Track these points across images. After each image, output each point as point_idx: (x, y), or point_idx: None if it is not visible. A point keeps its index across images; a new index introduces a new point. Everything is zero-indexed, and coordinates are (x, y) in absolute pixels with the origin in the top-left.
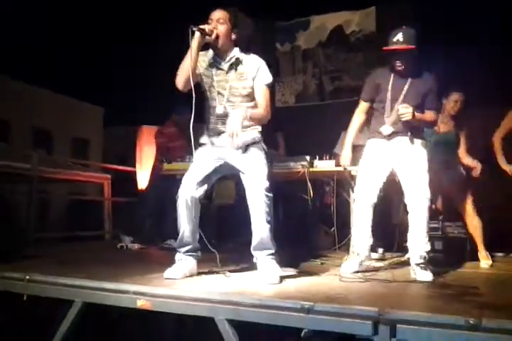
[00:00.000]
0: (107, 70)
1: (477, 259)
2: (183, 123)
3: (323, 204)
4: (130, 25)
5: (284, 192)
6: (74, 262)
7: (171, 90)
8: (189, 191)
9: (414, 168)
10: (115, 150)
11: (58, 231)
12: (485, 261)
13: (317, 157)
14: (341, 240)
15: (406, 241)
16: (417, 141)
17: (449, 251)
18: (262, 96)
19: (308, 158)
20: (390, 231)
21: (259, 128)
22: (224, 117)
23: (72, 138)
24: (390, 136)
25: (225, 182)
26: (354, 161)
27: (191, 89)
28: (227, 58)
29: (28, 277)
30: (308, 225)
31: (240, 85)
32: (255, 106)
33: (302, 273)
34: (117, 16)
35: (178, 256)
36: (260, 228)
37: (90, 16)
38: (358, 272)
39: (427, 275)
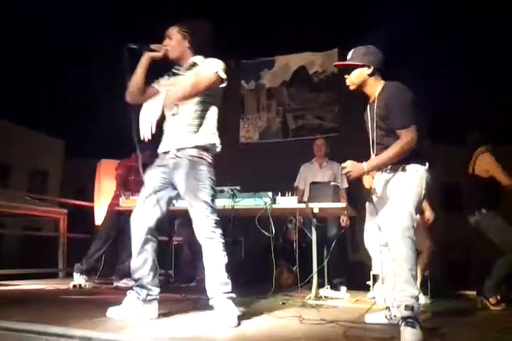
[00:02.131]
0: (64, 103)
1: None
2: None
3: (286, 241)
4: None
5: (246, 229)
6: (20, 303)
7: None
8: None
9: (397, 194)
10: (74, 182)
11: (10, 268)
12: None
13: (279, 193)
14: (304, 278)
15: (369, 278)
16: (411, 167)
17: None
18: (198, 75)
19: (270, 194)
20: (351, 268)
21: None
22: (174, 117)
23: (31, 170)
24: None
25: None
26: (315, 198)
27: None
28: (186, 65)
29: None
30: (270, 262)
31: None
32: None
33: (262, 314)
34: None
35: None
36: (214, 265)
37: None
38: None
39: (411, 333)
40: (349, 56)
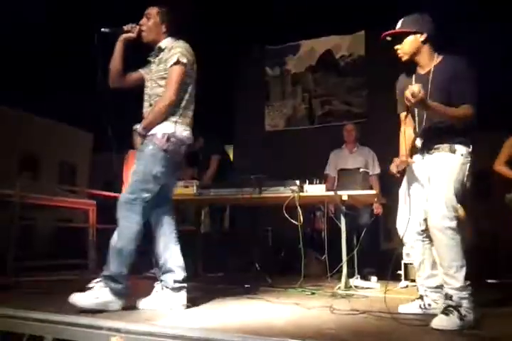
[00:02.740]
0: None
1: None
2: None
3: (314, 230)
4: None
5: (275, 218)
6: (49, 294)
7: None
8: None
9: (433, 182)
10: (102, 176)
11: (43, 260)
12: None
13: (307, 181)
14: (333, 268)
15: (400, 268)
16: (450, 148)
17: None
18: (167, 78)
19: (298, 182)
20: (382, 257)
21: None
22: (150, 107)
23: (60, 162)
24: (422, 150)
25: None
26: (345, 185)
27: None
28: (155, 50)
29: None
30: (299, 252)
31: (157, 70)
32: None
33: (291, 305)
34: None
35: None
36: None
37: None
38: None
39: (441, 320)
40: (399, 25)
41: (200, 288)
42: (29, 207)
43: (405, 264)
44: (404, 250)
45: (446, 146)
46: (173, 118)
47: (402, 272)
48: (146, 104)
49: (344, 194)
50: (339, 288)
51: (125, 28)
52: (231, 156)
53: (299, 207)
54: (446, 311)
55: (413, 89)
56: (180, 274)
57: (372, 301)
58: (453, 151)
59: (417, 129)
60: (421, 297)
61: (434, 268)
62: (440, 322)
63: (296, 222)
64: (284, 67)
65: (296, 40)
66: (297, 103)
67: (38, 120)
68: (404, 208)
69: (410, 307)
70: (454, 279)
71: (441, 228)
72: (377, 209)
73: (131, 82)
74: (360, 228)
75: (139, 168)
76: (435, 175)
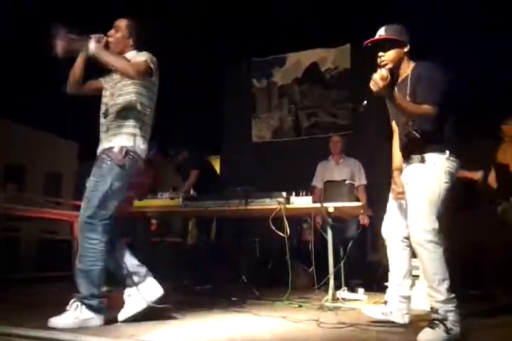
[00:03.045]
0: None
1: None
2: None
3: (301, 241)
4: None
5: (261, 229)
6: (32, 308)
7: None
8: None
9: (412, 193)
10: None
11: (28, 272)
12: None
13: (293, 193)
14: (321, 279)
15: (387, 279)
16: (418, 160)
17: None
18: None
19: (284, 194)
20: (369, 269)
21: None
22: (105, 117)
23: (45, 172)
24: (404, 158)
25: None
26: (330, 197)
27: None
28: None
29: None
30: (286, 264)
31: (120, 79)
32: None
33: (278, 318)
34: None
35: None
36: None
37: None
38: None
39: (427, 334)
40: (383, 32)
41: (187, 300)
42: (14, 218)
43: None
44: (390, 257)
45: (417, 157)
46: (133, 131)
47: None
48: (102, 115)
49: (330, 206)
50: (326, 300)
51: (91, 37)
52: (217, 167)
53: (285, 219)
54: (432, 325)
55: (382, 72)
56: (142, 271)
57: (360, 313)
58: (423, 161)
59: (399, 132)
60: (385, 302)
61: (407, 277)
62: (426, 336)
63: (282, 234)
64: (270, 79)
65: (283, 53)
66: (284, 115)
67: (22, 129)
68: (390, 214)
69: (373, 311)
70: (438, 292)
71: (423, 242)
72: (364, 220)
73: (90, 91)
74: (347, 240)
75: (96, 185)
76: (409, 189)
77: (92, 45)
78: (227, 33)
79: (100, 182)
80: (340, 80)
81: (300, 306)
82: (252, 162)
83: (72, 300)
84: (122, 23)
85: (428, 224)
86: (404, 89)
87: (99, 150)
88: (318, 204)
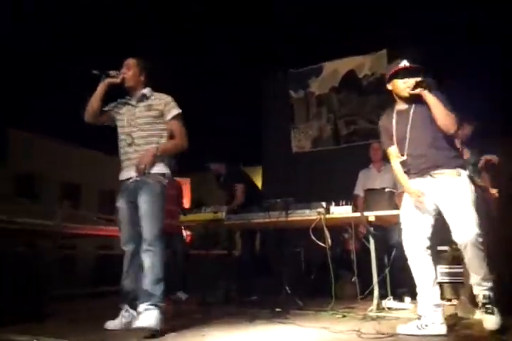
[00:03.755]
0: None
1: None
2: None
3: (344, 251)
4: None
5: (303, 240)
6: (85, 322)
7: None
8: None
9: (456, 203)
10: None
11: (83, 287)
12: None
13: (333, 203)
14: (365, 289)
15: None
16: (457, 172)
17: None
18: (175, 129)
19: (324, 204)
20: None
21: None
22: (130, 146)
23: (99, 190)
24: (421, 173)
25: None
26: (371, 206)
27: (110, 123)
28: (137, 96)
29: (35, 340)
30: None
31: (147, 115)
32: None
33: (320, 328)
34: None
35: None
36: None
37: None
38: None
39: (491, 321)
40: (407, 63)
41: (233, 311)
42: (67, 237)
43: (439, 283)
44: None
45: (451, 171)
46: (167, 163)
47: None
48: (124, 144)
49: (371, 215)
50: (371, 310)
51: (111, 73)
52: (258, 179)
53: (326, 229)
54: (489, 310)
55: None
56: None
57: (404, 323)
58: (459, 175)
59: (409, 154)
60: (419, 317)
61: (435, 285)
62: (491, 322)
63: (323, 244)
64: (307, 90)
65: (319, 63)
66: (323, 124)
67: (75, 149)
68: (410, 227)
69: (408, 328)
70: (487, 281)
71: (478, 244)
72: None
73: (103, 122)
74: (391, 247)
75: (157, 206)
76: (453, 199)
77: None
78: (263, 45)
79: (159, 204)
80: (378, 86)
81: (344, 316)
82: (292, 172)
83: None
84: (131, 61)
85: (479, 229)
86: (421, 113)
87: (132, 176)
88: (358, 214)
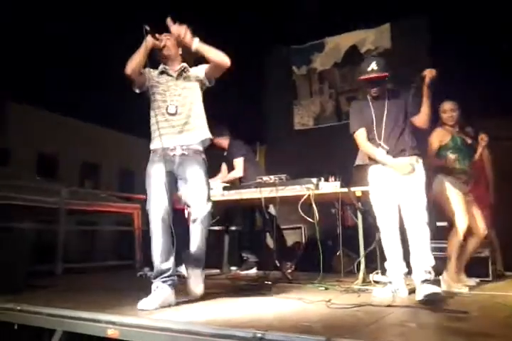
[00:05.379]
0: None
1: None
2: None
3: (344, 226)
4: None
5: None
6: (75, 292)
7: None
8: (164, 208)
9: (412, 189)
10: None
11: (97, 261)
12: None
13: (322, 179)
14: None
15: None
16: (416, 159)
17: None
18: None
19: (315, 180)
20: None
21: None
22: (174, 115)
23: (119, 169)
24: (392, 154)
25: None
26: (360, 182)
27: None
28: (177, 68)
29: (18, 307)
30: (330, 249)
31: (187, 87)
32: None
33: (297, 299)
34: None
35: (153, 285)
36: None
37: None
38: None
39: (434, 288)
40: (375, 67)
41: (226, 283)
42: (72, 213)
43: None
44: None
45: (412, 158)
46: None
47: None
48: (163, 111)
49: (357, 190)
50: (357, 283)
51: (157, 35)
52: (262, 156)
53: (314, 205)
54: (431, 282)
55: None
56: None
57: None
58: (418, 162)
59: (381, 138)
60: (390, 282)
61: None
62: (432, 288)
63: (311, 220)
64: (310, 66)
65: (321, 38)
66: (325, 100)
67: (97, 130)
68: (382, 204)
69: (383, 291)
70: (431, 258)
71: (428, 223)
72: None
73: (140, 82)
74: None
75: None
76: (410, 183)
77: (196, 39)
78: (264, 21)
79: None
80: None
81: (326, 289)
82: (295, 149)
83: None
84: (168, 37)
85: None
86: (394, 110)
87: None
88: (345, 189)
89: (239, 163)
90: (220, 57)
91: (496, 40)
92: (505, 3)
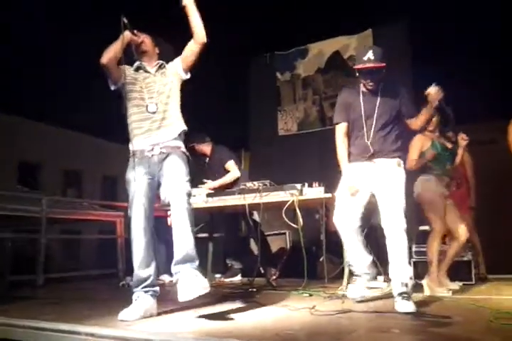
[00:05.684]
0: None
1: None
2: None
3: (328, 232)
4: None
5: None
6: (54, 303)
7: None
8: (144, 214)
9: (392, 193)
10: None
11: (82, 270)
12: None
13: (306, 184)
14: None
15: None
16: (398, 162)
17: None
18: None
19: (299, 186)
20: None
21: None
22: (154, 114)
23: (102, 176)
24: (370, 157)
25: None
26: None
27: (116, 81)
28: (155, 64)
29: None
30: (314, 255)
31: (164, 82)
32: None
33: (281, 307)
34: None
35: (134, 295)
36: (185, 240)
37: None
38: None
39: (408, 306)
40: (372, 56)
41: (210, 291)
42: (54, 222)
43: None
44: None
45: (395, 160)
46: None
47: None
48: (142, 110)
49: None
50: (341, 289)
51: (135, 31)
52: (246, 163)
53: (298, 211)
54: (406, 297)
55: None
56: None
57: (365, 301)
58: (399, 165)
59: (369, 138)
60: (359, 275)
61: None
62: (406, 307)
63: (295, 226)
64: (294, 72)
65: (304, 44)
66: (308, 106)
67: (78, 137)
68: (343, 208)
69: (356, 287)
70: (409, 270)
71: (404, 230)
72: None
73: (116, 75)
74: (373, 228)
75: (186, 169)
76: (387, 184)
77: None
78: (248, 28)
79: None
80: None
81: (310, 295)
82: (279, 155)
83: None
84: (145, 36)
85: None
86: (387, 106)
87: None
88: (329, 195)
89: (232, 164)
90: (201, 26)
91: (476, 45)
92: (483, 8)
